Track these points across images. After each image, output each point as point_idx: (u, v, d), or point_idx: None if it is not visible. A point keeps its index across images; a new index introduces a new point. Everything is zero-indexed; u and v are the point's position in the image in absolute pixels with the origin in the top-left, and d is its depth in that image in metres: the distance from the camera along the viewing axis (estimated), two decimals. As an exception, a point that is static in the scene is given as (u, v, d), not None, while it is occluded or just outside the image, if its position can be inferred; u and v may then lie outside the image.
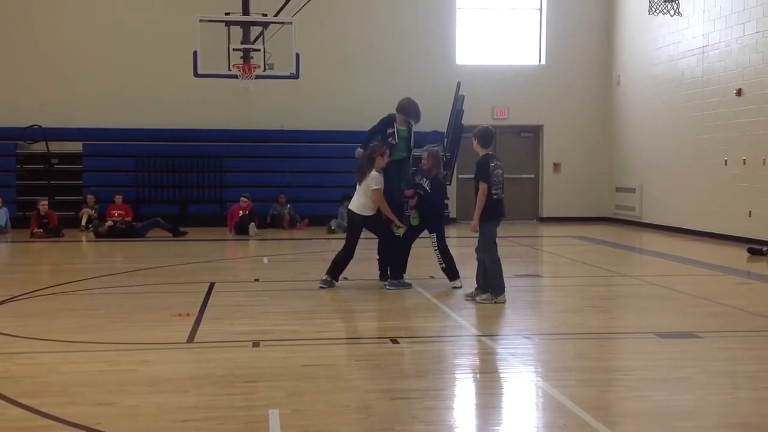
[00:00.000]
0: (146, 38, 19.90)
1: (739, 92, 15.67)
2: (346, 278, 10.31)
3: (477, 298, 8.94)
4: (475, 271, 9.14)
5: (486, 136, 8.95)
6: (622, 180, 20.70)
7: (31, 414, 4.99)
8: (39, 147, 19.64)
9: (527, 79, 21.29)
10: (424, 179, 9.94)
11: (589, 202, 21.57)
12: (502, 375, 6.14)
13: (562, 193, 21.62)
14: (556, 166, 21.69)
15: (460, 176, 21.23)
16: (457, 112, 20.04)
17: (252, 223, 17.46)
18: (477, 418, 5.09)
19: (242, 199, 18.17)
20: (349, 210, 9.95)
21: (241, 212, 17.92)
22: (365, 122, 20.02)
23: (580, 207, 21.57)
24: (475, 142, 9.01)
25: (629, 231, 18.90)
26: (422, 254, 11.60)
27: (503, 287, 8.95)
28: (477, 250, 9.08)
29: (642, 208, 19.73)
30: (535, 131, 21.85)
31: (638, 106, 19.97)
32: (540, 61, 21.55)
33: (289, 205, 18.88)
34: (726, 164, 16.11)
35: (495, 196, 8.80)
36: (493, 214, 8.87)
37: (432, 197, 9.91)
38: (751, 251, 13.75)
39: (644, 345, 7.07)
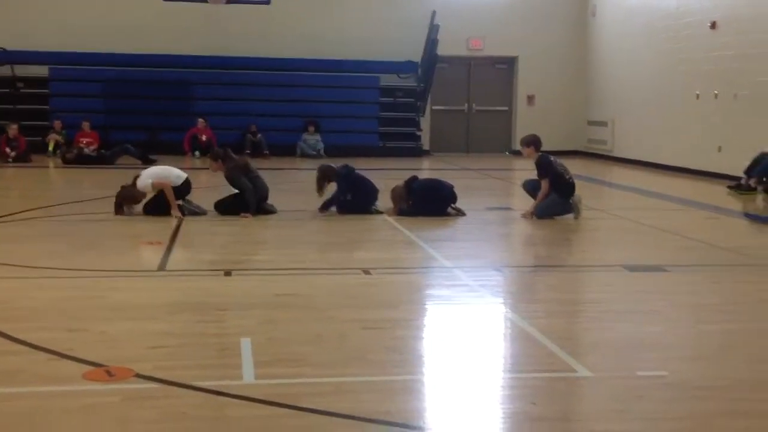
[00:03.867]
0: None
1: (713, 25, 15.62)
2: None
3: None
4: None
5: (538, 141, 10.16)
6: (595, 113, 20.70)
7: (3, 339, 4.96)
8: (4, 71, 19.17)
9: (503, 9, 21.01)
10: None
11: (562, 136, 21.46)
12: (472, 306, 6.20)
13: (535, 126, 21.06)
14: (530, 99, 21.56)
15: (433, 107, 21.13)
16: (431, 42, 19.82)
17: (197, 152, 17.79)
18: (446, 348, 5.15)
19: (200, 121, 18.17)
20: None
21: (198, 134, 18.21)
22: (339, 50, 20.09)
23: (553, 140, 21.23)
24: (529, 149, 10.11)
25: (600, 165, 19.00)
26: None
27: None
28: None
29: (614, 142, 19.79)
30: (510, 63, 21.69)
31: (613, 38, 19.86)
32: (516, -9, 21.25)
33: (259, 135, 18.68)
34: (698, 98, 16.14)
35: (570, 179, 10.05)
36: (565, 193, 10.03)
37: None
38: (731, 187, 13.10)
39: (613, 278, 7.16)
